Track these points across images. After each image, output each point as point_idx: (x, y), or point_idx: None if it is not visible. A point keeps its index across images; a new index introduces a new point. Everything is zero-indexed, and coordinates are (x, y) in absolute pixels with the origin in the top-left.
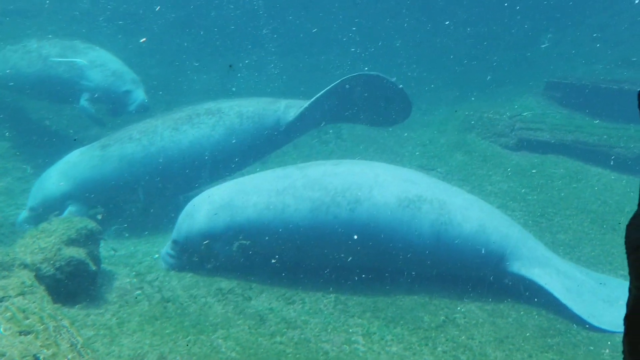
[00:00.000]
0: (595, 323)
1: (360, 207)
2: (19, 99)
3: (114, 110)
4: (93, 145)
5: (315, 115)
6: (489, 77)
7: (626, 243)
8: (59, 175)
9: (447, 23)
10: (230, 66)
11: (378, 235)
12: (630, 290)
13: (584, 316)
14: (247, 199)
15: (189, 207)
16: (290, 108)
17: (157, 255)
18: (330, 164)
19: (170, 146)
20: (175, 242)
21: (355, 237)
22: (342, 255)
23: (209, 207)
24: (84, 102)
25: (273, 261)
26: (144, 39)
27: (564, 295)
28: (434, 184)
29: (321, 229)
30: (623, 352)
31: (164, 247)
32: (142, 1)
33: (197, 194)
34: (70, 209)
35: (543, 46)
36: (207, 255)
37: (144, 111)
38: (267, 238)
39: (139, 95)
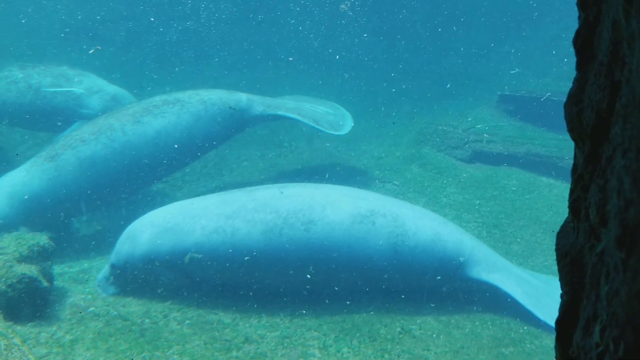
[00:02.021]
0: (551, 322)
1: (315, 227)
2: None
3: None
4: (34, 160)
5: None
6: (448, 85)
7: (556, 250)
8: (7, 198)
9: (399, 37)
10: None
11: (335, 253)
12: (561, 296)
13: (545, 319)
14: (194, 222)
15: (129, 231)
16: (252, 102)
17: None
18: (277, 188)
19: (135, 140)
20: (113, 266)
21: (311, 256)
22: (297, 275)
23: (151, 230)
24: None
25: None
26: (93, 50)
27: (524, 298)
28: (383, 198)
29: (275, 251)
30: (555, 357)
31: (100, 272)
32: (107, 17)
33: (135, 217)
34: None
35: (512, 72)
36: (148, 279)
37: None
38: (215, 262)
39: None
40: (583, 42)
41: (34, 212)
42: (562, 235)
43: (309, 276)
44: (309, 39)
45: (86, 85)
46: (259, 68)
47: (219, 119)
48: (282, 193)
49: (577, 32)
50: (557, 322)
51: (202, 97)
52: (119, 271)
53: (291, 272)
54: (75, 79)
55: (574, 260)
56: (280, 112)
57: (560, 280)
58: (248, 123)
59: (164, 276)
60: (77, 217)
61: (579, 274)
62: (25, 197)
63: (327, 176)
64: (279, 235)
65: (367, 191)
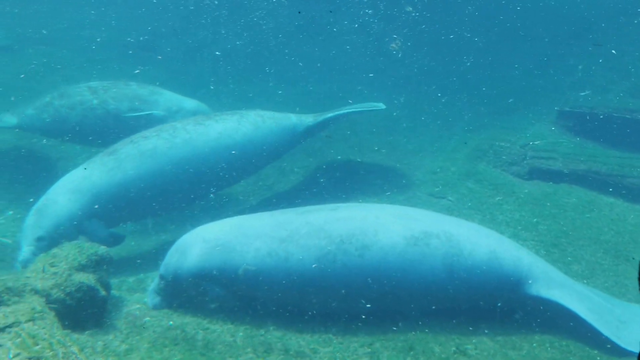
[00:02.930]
0: (621, 343)
1: (369, 252)
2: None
3: None
4: (94, 159)
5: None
6: (511, 100)
7: None
8: (68, 194)
9: (456, 50)
10: None
11: (390, 278)
12: None
13: (611, 336)
14: (247, 242)
15: (179, 243)
16: (301, 117)
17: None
18: (328, 209)
19: (197, 137)
20: (162, 277)
21: (365, 282)
22: (352, 301)
23: (202, 245)
24: None
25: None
26: (139, 70)
27: (588, 315)
28: (435, 217)
29: (329, 278)
30: None
31: (152, 284)
32: (155, 31)
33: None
34: (91, 227)
35: (583, 94)
36: (196, 293)
37: None
38: (267, 286)
39: None
40: None
41: (97, 205)
42: None
43: (362, 301)
44: (364, 54)
45: (163, 105)
46: (312, 81)
47: (275, 129)
48: (334, 215)
49: None
50: None
51: (257, 112)
52: (166, 283)
53: (344, 297)
54: (151, 99)
55: None
56: (329, 115)
57: None
58: (301, 137)
59: (212, 292)
60: (139, 220)
61: None
62: (87, 188)
63: (380, 191)
64: (333, 261)
65: (418, 209)
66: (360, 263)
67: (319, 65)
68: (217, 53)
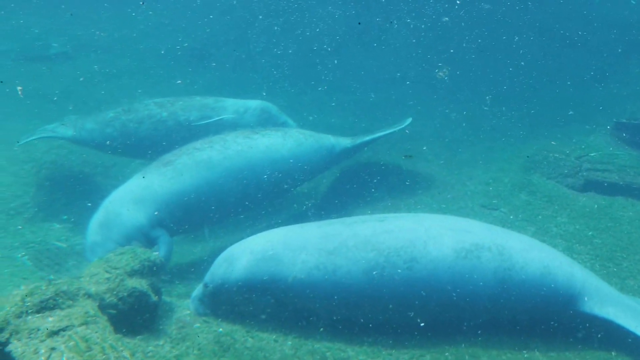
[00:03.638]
0: None
1: (418, 265)
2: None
3: None
4: (149, 169)
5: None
6: (571, 112)
7: None
8: (132, 204)
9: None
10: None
11: (440, 291)
12: None
13: None
14: (294, 255)
15: (227, 254)
16: (339, 138)
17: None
18: (376, 220)
19: (247, 149)
20: (206, 286)
21: (414, 295)
22: (401, 314)
23: (250, 257)
24: None
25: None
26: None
27: None
28: (486, 229)
29: (377, 290)
30: None
31: (195, 290)
32: (208, 39)
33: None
34: (157, 235)
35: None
36: (241, 304)
37: None
38: (314, 298)
39: (291, 122)
40: None
41: (161, 213)
42: None
43: (412, 314)
44: (417, 64)
45: (231, 109)
46: (364, 90)
47: (316, 147)
48: (382, 226)
49: None
50: None
51: (299, 130)
52: (211, 291)
53: (393, 310)
54: (218, 105)
55: None
56: (366, 139)
57: None
58: (338, 158)
59: (260, 303)
60: (194, 230)
61: None
62: (150, 198)
63: (432, 201)
64: (381, 274)
65: (469, 220)
66: (409, 276)
67: (370, 74)
68: (267, 61)
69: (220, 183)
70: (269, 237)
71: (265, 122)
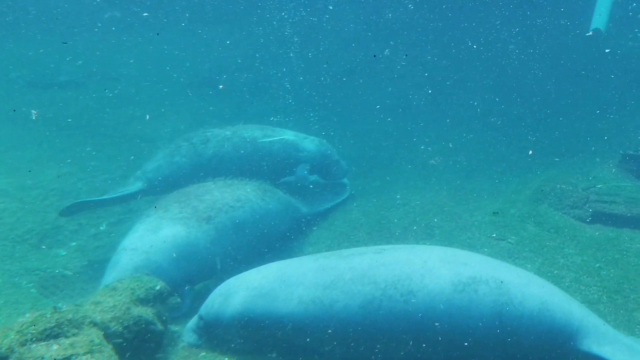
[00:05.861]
0: None
1: (415, 298)
2: None
3: (323, 177)
4: (190, 220)
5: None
6: (573, 141)
7: None
8: (173, 260)
9: (516, 95)
10: None
11: (435, 325)
12: None
13: None
14: (290, 290)
15: (223, 287)
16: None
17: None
18: (373, 252)
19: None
20: (201, 318)
21: (410, 329)
22: (397, 348)
23: (246, 293)
24: (304, 171)
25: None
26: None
27: None
28: (485, 262)
29: (373, 325)
30: None
31: (190, 321)
32: (223, 68)
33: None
34: (183, 294)
35: None
36: (235, 340)
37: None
38: (310, 333)
39: (343, 163)
40: None
41: (196, 272)
42: None
43: (408, 348)
44: (425, 93)
45: (289, 133)
46: (371, 121)
47: (282, 209)
48: (379, 259)
49: None
50: None
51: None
52: (205, 324)
53: (389, 344)
54: (276, 128)
55: None
56: (326, 206)
57: None
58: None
59: (253, 339)
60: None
61: None
62: (194, 257)
63: (436, 232)
64: (377, 308)
65: (469, 253)
66: (406, 309)
67: (380, 104)
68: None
69: (249, 241)
70: (264, 271)
71: (324, 152)
